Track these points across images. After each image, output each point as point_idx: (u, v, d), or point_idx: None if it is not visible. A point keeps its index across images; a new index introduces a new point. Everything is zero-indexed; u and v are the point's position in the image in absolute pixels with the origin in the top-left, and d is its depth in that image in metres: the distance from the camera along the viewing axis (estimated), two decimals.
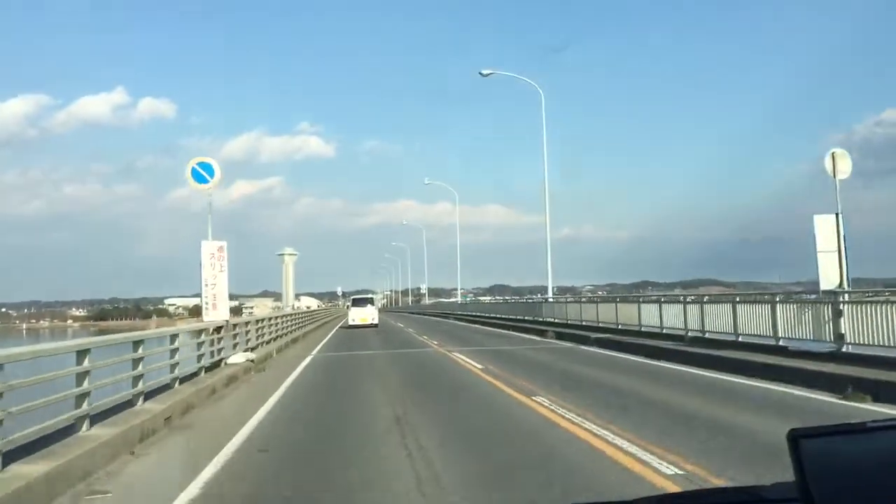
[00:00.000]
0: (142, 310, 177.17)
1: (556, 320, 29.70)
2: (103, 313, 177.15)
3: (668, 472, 5.72)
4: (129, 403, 8.57)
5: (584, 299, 31.81)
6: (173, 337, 10.60)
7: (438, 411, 9.29)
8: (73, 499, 5.51)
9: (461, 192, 65.37)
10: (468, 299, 70.81)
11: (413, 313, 79.41)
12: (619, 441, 6.86)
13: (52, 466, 5.50)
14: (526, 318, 34.79)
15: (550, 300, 33.88)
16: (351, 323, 38.96)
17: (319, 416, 9.18)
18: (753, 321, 16.12)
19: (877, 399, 9.30)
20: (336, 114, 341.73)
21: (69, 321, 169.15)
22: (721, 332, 17.27)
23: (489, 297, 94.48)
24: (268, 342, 20.85)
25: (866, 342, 12.24)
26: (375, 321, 39.09)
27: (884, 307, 11.90)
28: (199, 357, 12.26)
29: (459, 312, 54.50)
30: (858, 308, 12.68)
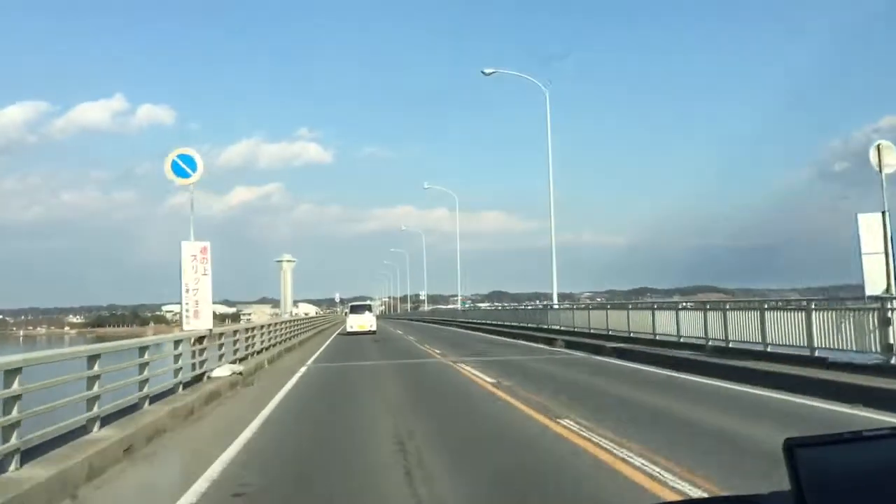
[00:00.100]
0: (139, 316, 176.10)
1: (563, 328, 28.39)
2: (100, 320, 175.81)
3: None
4: (83, 430, 7.20)
5: (592, 306, 30.45)
6: (143, 349, 9.21)
7: (450, 438, 7.87)
8: None
9: (460, 199, 63.90)
10: (467, 306, 69.36)
11: (412, 320, 77.97)
12: (685, 486, 5.48)
13: None
14: (529, 325, 33.51)
15: (555, 307, 32.58)
16: (349, 330, 38.39)
17: (310, 445, 7.77)
18: (784, 330, 14.82)
19: None
20: (335, 120, 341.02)
21: (66, 328, 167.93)
22: (747, 342, 15.97)
23: (488, 304, 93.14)
24: (259, 352, 19.44)
25: None
26: (374, 328, 38.69)
27: None
28: (176, 371, 10.87)
29: (460, 319, 53.25)
30: None
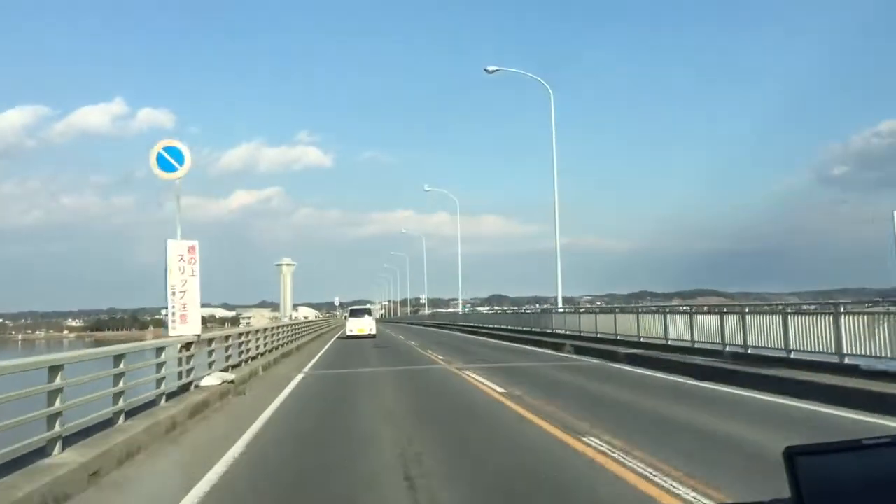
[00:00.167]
0: (138, 320, 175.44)
1: (568, 332, 27.46)
2: (99, 324, 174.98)
3: None
4: (41, 453, 6.25)
5: (599, 309, 29.50)
6: (118, 358, 8.25)
7: (464, 465, 6.89)
8: None
9: (460, 203, 62.98)
10: (467, 310, 68.40)
11: (412, 324, 76.94)
12: None
13: None
14: (533, 329, 32.60)
15: (560, 311, 31.64)
16: (348, 333, 38.39)
17: (301, 471, 6.79)
18: (809, 335, 13.91)
19: None
20: (335, 124, 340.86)
21: (65, 332, 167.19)
22: (768, 348, 15.06)
23: (487, 308, 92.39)
24: (254, 357, 18.48)
25: None
26: (373, 332, 38.85)
27: None
28: (159, 381, 9.90)
29: (461, 323, 52.28)
30: None
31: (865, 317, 12.83)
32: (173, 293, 11.68)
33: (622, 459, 6.49)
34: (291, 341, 28.78)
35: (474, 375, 15.03)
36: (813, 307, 16.18)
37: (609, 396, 11.64)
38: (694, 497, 5.23)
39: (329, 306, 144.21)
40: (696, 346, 17.88)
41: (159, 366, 9.96)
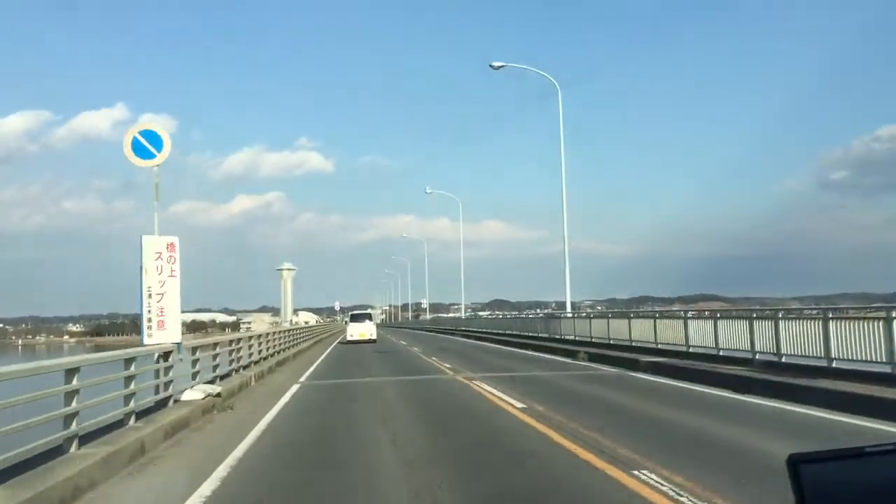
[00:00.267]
0: (137, 325, 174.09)
1: (578, 338, 26.11)
2: (100, 328, 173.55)
3: None
4: None
5: (611, 314, 28.06)
6: (71, 372, 6.88)
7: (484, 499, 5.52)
8: None
9: (461, 207, 61.58)
10: (469, 314, 67.03)
11: (414, 329, 75.51)
12: None
13: None
14: (540, 335, 31.24)
15: (568, 315, 30.29)
16: (349, 338, 38.25)
17: None
18: (853, 342, 12.58)
19: None
20: (336, 128, 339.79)
21: (65, 336, 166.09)
22: (805, 356, 13.70)
23: (488, 312, 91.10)
24: (246, 366, 17.09)
25: None
26: (374, 337, 38.85)
27: None
28: (128, 398, 8.52)
29: (464, 328, 50.94)
30: None
31: None
32: (149, 295, 10.30)
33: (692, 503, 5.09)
34: (289, 347, 27.40)
35: (486, 387, 13.63)
36: (853, 311, 14.88)
37: (644, 413, 10.22)
38: None
39: (330, 311, 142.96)
40: (722, 353, 16.57)
41: (128, 379, 8.57)
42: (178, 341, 10.56)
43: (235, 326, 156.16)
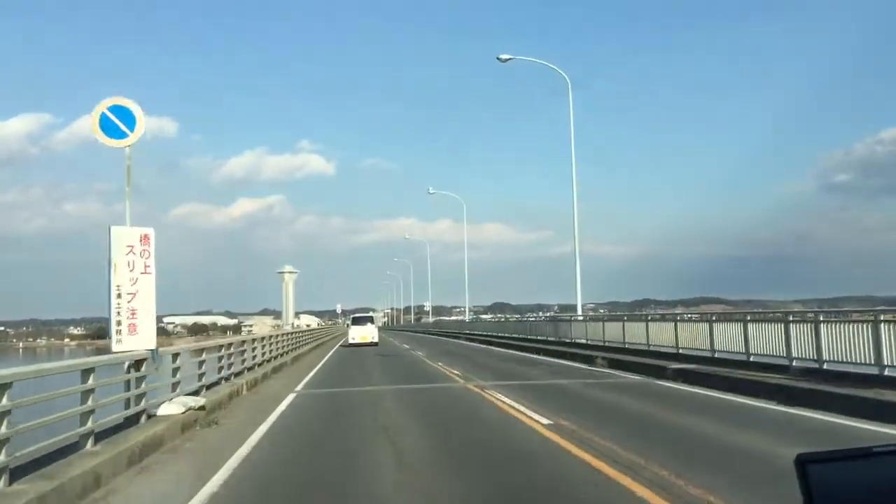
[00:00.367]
0: None
1: (590, 342, 24.74)
2: (101, 332, 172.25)
3: None
4: None
5: (627, 317, 26.63)
6: (3, 388, 5.50)
7: None
8: None
9: (462, 210, 60.35)
10: (470, 317, 65.64)
11: (416, 332, 74.10)
12: None
13: None
14: (549, 338, 29.89)
15: (580, 318, 28.89)
16: (351, 341, 37.96)
17: None
18: None
19: None
20: (337, 131, 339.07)
21: (66, 339, 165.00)
22: (851, 363, 12.35)
23: (490, 316, 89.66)
24: (238, 374, 15.69)
25: None
26: (375, 340, 38.65)
27: None
28: (85, 416, 7.13)
29: (468, 331, 49.59)
30: None
31: None
32: (118, 295, 8.91)
33: None
34: (288, 352, 26.02)
35: (503, 398, 12.21)
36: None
37: (695, 432, 8.79)
38: None
39: (331, 314, 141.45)
40: (752, 359, 15.20)
41: (85, 394, 7.18)
42: (153, 347, 9.16)
43: (237, 329, 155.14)
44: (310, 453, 8.21)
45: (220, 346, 14.59)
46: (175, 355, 10.77)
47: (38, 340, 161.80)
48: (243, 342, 17.71)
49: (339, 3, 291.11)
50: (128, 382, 8.72)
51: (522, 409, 10.73)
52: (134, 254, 9.08)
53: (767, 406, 10.86)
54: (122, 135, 9.24)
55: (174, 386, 10.56)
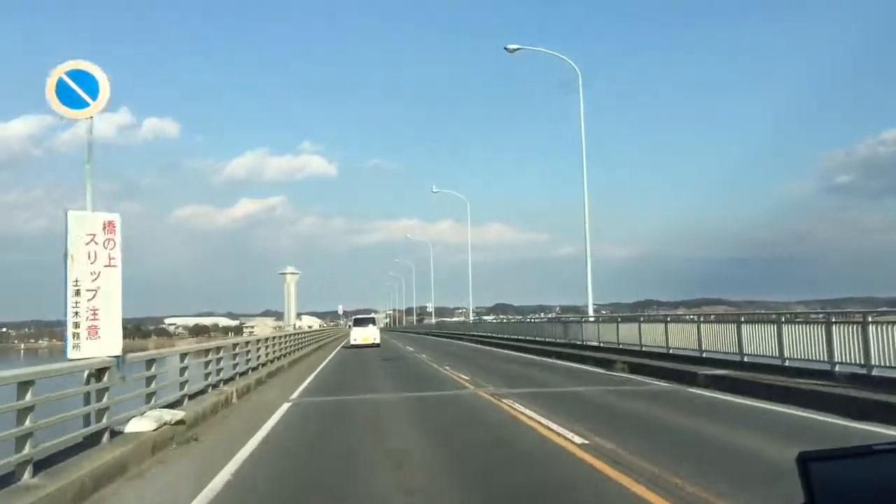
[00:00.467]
0: (140, 329, 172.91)
1: (603, 344, 23.38)
2: None
3: None
4: None
5: (643, 318, 25.23)
6: None
7: None
8: None
9: (464, 210, 58.82)
10: (473, 318, 64.28)
11: (419, 333, 72.68)
12: None
13: None
14: (558, 340, 28.57)
15: (591, 319, 27.53)
16: (353, 343, 37.76)
17: None
18: None
19: None
20: (338, 132, 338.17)
21: None
22: None
23: (492, 317, 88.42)
24: (228, 380, 14.32)
25: None
26: (377, 341, 38.48)
27: None
28: (21, 441, 5.76)
29: (472, 333, 48.17)
30: None
31: None
32: (77, 292, 7.54)
33: None
34: (285, 355, 24.66)
35: (522, 409, 10.81)
36: None
37: (761, 455, 7.39)
38: None
39: (333, 315, 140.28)
40: (787, 364, 13.85)
41: (22, 413, 5.80)
42: (118, 354, 7.79)
43: (238, 331, 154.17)
44: (302, 479, 6.82)
45: (208, 351, 13.20)
46: (150, 362, 9.39)
47: (40, 342, 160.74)
48: (235, 345, 16.33)
49: (339, 3, 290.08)
50: (87, 395, 7.35)
51: (547, 422, 9.33)
52: (96, 243, 7.71)
53: (830, 420, 9.46)
54: (83, 104, 7.88)
55: (148, 397, 9.19)
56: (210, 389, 12.70)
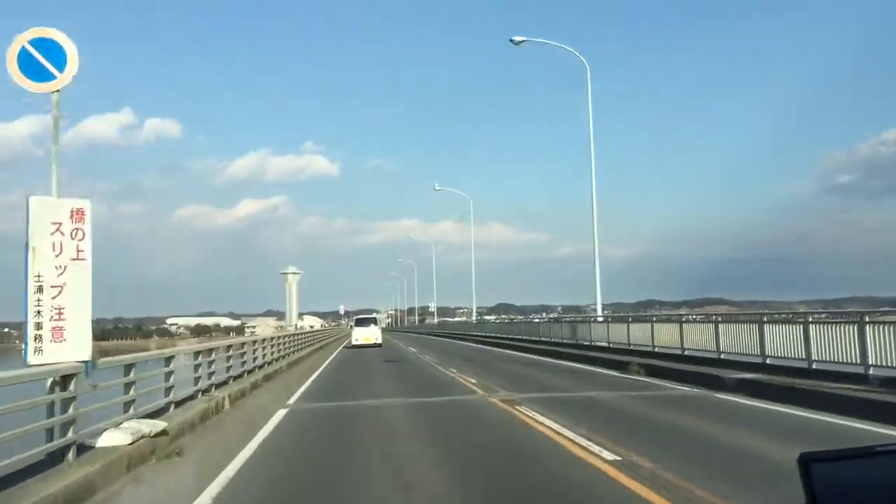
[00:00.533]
0: (142, 329, 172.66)
1: (612, 345, 22.53)
2: (104, 333, 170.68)
3: None
4: None
5: (656, 318, 24.31)
6: None
7: None
8: None
9: (466, 209, 58.01)
10: (476, 318, 63.44)
11: (421, 333, 71.76)
12: None
13: None
14: (565, 341, 27.64)
15: (600, 319, 26.66)
16: (354, 343, 37.45)
17: None
18: None
19: None
20: (341, 132, 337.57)
21: None
22: None
23: (494, 316, 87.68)
24: (220, 384, 13.40)
25: None
26: (379, 341, 38.21)
27: None
28: None
29: (475, 333, 47.26)
30: None
31: None
32: (39, 289, 6.63)
33: None
34: (284, 356, 23.76)
35: (538, 416, 9.87)
36: None
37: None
38: None
39: (335, 315, 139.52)
40: (815, 367, 12.99)
41: None
42: (87, 359, 6.86)
43: (240, 331, 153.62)
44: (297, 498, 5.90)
45: (198, 353, 12.27)
46: (128, 367, 8.47)
47: None
48: (229, 346, 15.42)
49: (339, 3, 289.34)
50: (50, 406, 6.44)
51: (565, 431, 8.40)
52: (62, 233, 6.80)
53: (876, 430, 8.51)
54: (49, 76, 6.96)
55: (126, 406, 8.28)
56: (200, 395, 11.77)
